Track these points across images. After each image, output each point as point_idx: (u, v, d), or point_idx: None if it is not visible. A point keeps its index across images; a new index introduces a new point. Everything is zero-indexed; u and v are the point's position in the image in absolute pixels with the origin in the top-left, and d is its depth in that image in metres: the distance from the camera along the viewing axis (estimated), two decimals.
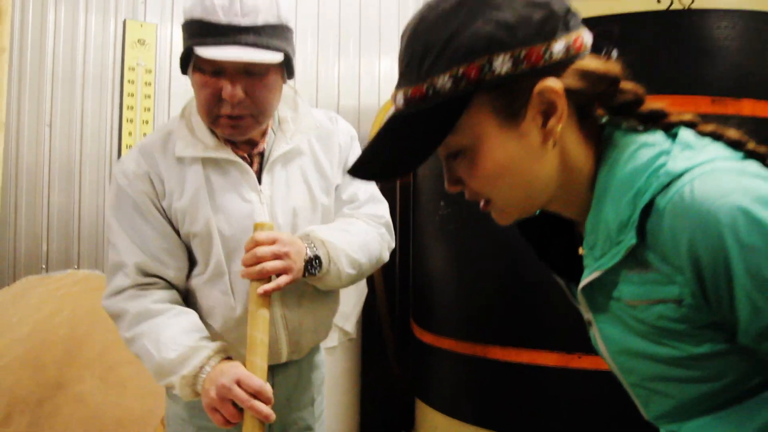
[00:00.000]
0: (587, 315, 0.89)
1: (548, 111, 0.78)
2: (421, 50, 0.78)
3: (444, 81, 0.76)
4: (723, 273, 0.69)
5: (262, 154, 1.42)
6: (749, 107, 1.77)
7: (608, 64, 0.81)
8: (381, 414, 3.15)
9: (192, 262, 1.42)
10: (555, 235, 0.98)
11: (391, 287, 3.22)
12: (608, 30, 0.84)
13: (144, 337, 1.31)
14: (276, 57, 1.24)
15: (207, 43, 1.22)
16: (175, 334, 1.29)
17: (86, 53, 2.57)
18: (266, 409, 1.18)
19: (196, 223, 1.35)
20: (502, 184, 0.81)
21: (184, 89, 2.69)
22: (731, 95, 1.78)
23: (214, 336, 1.39)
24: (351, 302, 2.59)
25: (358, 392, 2.84)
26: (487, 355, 2.04)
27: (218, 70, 1.26)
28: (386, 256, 1.53)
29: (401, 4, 3.34)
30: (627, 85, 0.82)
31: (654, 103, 0.83)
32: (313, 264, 1.31)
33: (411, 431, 2.72)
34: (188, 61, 1.30)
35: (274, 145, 1.41)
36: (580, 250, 0.89)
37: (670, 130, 0.81)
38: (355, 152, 1.54)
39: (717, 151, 0.77)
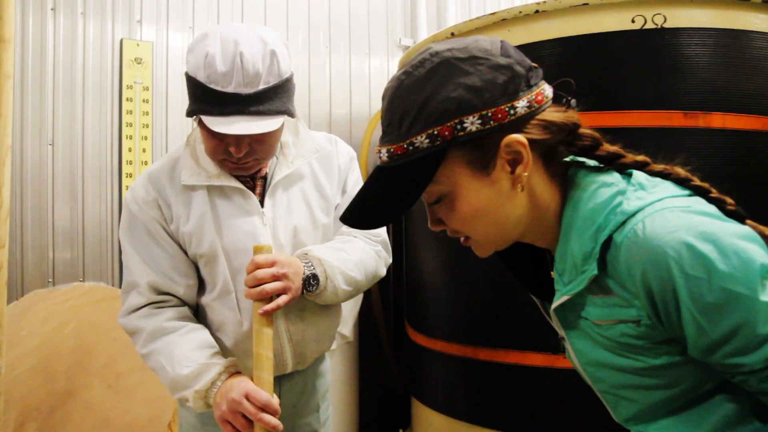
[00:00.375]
0: (560, 331, 1.00)
1: (515, 160, 0.88)
2: (400, 113, 0.88)
3: (421, 140, 0.86)
4: (671, 299, 0.80)
5: (264, 178, 1.50)
6: (719, 120, 1.87)
7: (567, 114, 0.92)
8: (379, 413, 3.25)
9: (201, 281, 1.51)
10: (530, 259, 1.08)
11: (386, 291, 3.32)
12: (567, 81, 0.94)
13: (158, 353, 1.41)
14: (277, 123, 1.31)
15: (212, 113, 1.28)
16: (187, 351, 1.39)
17: (85, 73, 2.64)
18: (274, 420, 1.28)
19: (201, 246, 1.44)
20: (478, 224, 0.92)
21: (180, 105, 2.77)
22: (702, 109, 1.87)
23: (224, 349, 1.49)
24: (348, 306, 2.69)
25: (356, 392, 2.95)
26: (477, 356, 2.14)
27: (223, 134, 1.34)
28: (382, 272, 1.63)
29: (389, 5, 3.41)
30: (585, 131, 0.93)
31: (610, 146, 0.93)
32: (310, 282, 1.40)
33: (407, 429, 2.83)
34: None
35: (276, 168, 1.49)
36: (552, 274, 1.00)
37: (626, 170, 0.92)
38: (354, 173, 1.63)
39: (666, 189, 0.88)
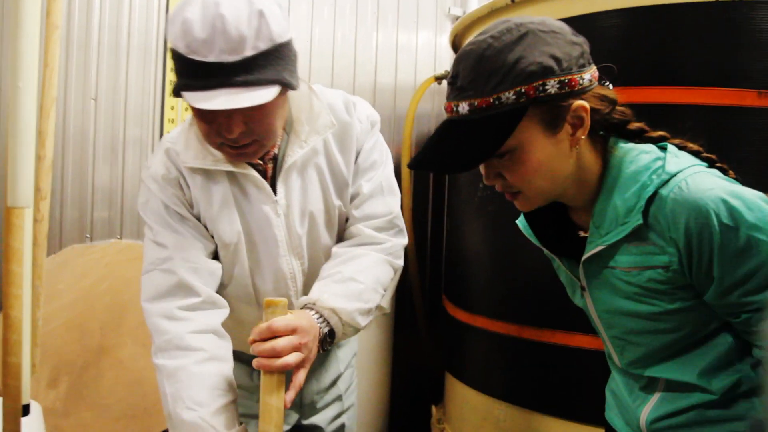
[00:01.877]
0: (582, 281, 1.16)
1: (577, 124, 1.03)
2: (488, 71, 0.99)
3: (508, 96, 0.98)
4: (707, 244, 0.97)
5: (275, 158, 1.36)
6: None
7: (612, 92, 1.09)
8: (410, 387, 3.23)
9: None
10: (551, 221, 1.23)
11: (422, 263, 3.27)
12: (609, 66, 1.10)
13: (166, 375, 1.26)
14: (269, 94, 1.15)
15: (195, 87, 1.12)
16: (195, 392, 1.22)
17: (131, 28, 2.61)
18: None
19: (226, 236, 1.34)
20: (537, 178, 1.05)
21: None
22: None
23: (242, 343, 1.32)
24: None
25: (389, 365, 2.92)
26: (521, 335, 2.08)
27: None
28: (400, 266, 1.49)
29: None
30: (621, 107, 1.10)
31: (637, 123, 1.11)
32: (326, 340, 1.26)
33: (440, 405, 2.79)
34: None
35: (288, 149, 1.34)
36: (581, 233, 1.17)
37: (650, 142, 1.09)
38: (372, 139, 1.46)
39: (690, 158, 1.06)
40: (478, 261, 2.32)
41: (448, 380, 2.61)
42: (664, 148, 1.07)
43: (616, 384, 1.31)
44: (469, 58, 1.02)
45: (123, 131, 2.62)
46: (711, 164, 1.08)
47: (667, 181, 1.01)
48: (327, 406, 1.62)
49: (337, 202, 1.42)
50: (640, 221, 1.02)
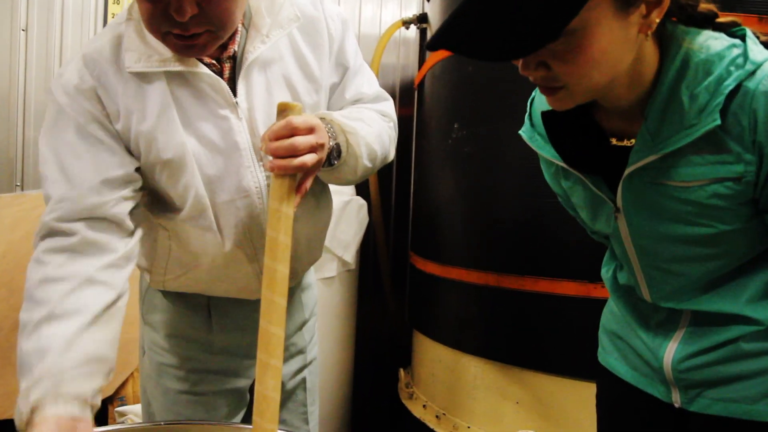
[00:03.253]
0: (618, 202, 0.99)
1: (653, 2, 0.82)
2: None
3: None
4: None
5: (234, 58, 1.19)
6: None
7: None
8: (376, 350, 3.08)
9: (161, 198, 1.22)
10: (573, 129, 1.01)
11: (387, 219, 3.11)
12: None
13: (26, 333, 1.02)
14: None
15: None
16: (61, 353, 0.99)
17: None
18: None
19: (166, 150, 1.13)
20: (594, 71, 0.83)
21: None
22: None
23: (201, 276, 1.24)
24: (351, 231, 2.47)
25: (353, 325, 2.75)
26: (500, 284, 1.95)
27: None
28: (393, 154, 1.37)
29: None
30: None
31: (706, 4, 0.91)
32: (332, 154, 1.14)
33: (408, 369, 2.64)
34: None
35: (248, 44, 1.18)
36: (613, 141, 0.98)
37: (721, 29, 0.91)
38: (351, 41, 1.33)
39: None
40: (452, 208, 2.18)
41: (417, 339, 2.46)
42: (736, 36, 0.90)
43: (620, 323, 1.16)
44: None
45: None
46: None
47: (754, 72, 0.83)
48: (291, 357, 1.47)
49: (310, 100, 1.25)
50: (717, 122, 0.84)
